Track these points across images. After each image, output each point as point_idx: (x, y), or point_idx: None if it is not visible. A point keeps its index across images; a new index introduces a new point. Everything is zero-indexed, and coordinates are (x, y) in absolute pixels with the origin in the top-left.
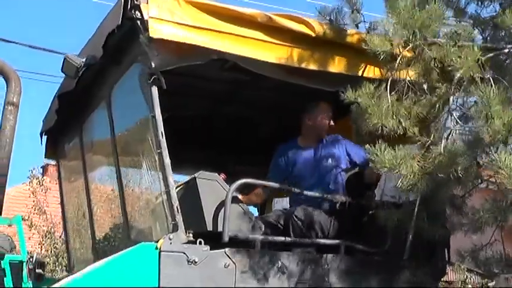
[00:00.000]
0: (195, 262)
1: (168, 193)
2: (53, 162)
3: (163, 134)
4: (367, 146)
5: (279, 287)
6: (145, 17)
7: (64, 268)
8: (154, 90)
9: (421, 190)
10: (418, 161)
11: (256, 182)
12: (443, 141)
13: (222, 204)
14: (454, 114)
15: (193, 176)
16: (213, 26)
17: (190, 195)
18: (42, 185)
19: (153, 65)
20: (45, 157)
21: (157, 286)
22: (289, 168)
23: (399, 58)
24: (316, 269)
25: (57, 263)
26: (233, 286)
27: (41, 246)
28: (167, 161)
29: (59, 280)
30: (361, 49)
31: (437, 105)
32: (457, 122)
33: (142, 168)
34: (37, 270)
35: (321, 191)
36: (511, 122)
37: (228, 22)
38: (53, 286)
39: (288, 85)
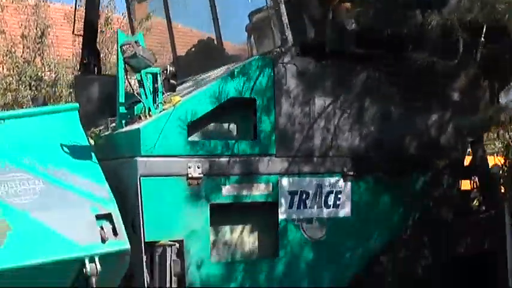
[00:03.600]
0: (303, 73)
1: (277, 10)
2: None
3: None
4: None
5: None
6: None
7: (28, 87)
8: None
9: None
10: None
11: None
12: None
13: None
14: None
15: None
16: None
17: (293, 10)
18: None
19: None
20: None
21: (273, 93)
22: None
23: None
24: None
25: (20, 82)
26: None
27: (2, 66)
28: None
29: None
30: None
31: None
32: None
33: None
34: (171, 81)
35: None
36: None
37: None
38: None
39: None
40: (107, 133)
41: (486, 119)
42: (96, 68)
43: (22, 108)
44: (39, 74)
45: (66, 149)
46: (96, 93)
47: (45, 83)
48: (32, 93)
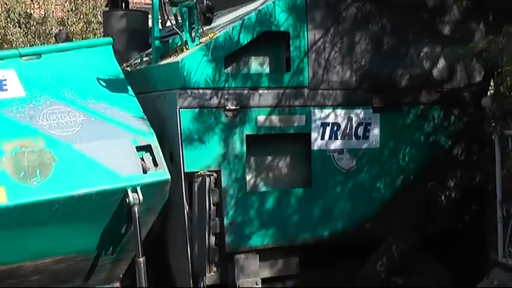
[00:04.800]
0: (335, 6)
1: None
2: None
3: None
4: None
5: None
6: None
7: (16, 24)
8: None
9: None
10: None
11: None
12: None
13: None
14: None
15: None
16: None
17: None
18: None
19: None
20: None
21: (305, 26)
22: None
23: None
24: None
25: (8, 19)
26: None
27: None
28: None
29: None
30: None
31: None
32: None
33: None
34: (207, 15)
35: None
36: None
37: None
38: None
39: None
40: (141, 67)
41: (476, 51)
42: (123, 3)
43: (11, 45)
44: (28, 10)
45: (103, 83)
46: (124, 28)
47: (34, 20)
48: (22, 30)
